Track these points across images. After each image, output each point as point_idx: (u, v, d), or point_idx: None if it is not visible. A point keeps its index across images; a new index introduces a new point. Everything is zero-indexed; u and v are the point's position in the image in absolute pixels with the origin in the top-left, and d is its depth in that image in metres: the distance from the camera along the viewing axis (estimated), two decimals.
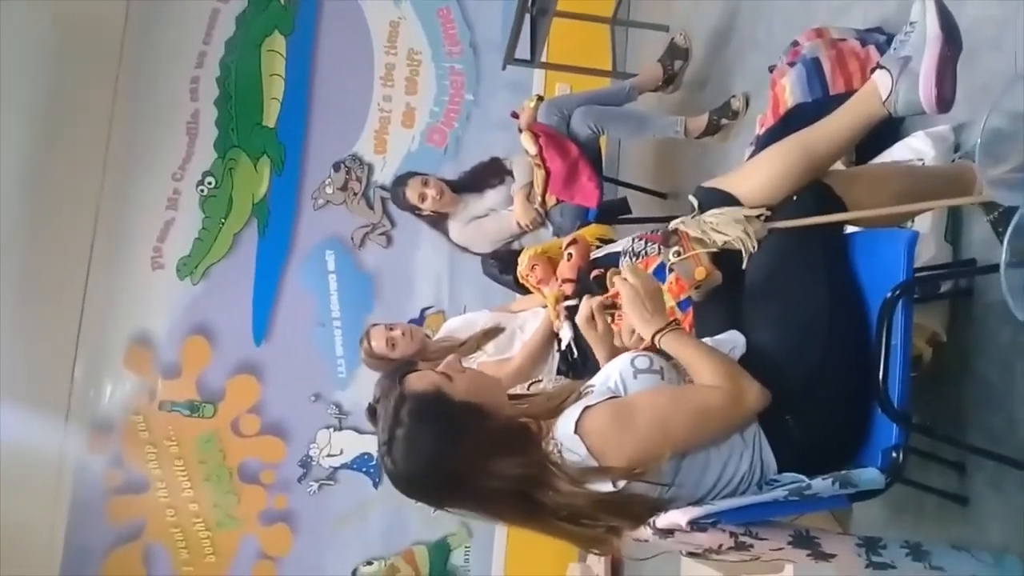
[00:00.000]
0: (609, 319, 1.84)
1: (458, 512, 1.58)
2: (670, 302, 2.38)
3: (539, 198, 3.50)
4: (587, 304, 1.78)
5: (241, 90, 5.08)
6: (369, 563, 4.81)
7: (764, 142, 2.29)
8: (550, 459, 1.43)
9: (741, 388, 1.49)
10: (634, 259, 2.61)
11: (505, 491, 1.44)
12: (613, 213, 3.62)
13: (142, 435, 4.81)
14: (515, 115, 3.55)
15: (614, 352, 1.76)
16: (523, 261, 3.09)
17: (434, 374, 1.55)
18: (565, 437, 1.46)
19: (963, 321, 1.82)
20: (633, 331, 1.84)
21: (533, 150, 3.37)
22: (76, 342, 4.81)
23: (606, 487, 1.42)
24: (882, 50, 2.17)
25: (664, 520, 1.44)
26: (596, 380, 1.63)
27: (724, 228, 1.65)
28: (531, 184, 3.51)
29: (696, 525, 1.41)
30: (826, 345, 1.53)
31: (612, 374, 1.59)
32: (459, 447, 1.45)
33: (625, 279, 1.66)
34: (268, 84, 5.11)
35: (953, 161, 1.92)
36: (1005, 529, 1.65)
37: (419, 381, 1.53)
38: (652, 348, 1.64)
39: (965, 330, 1.82)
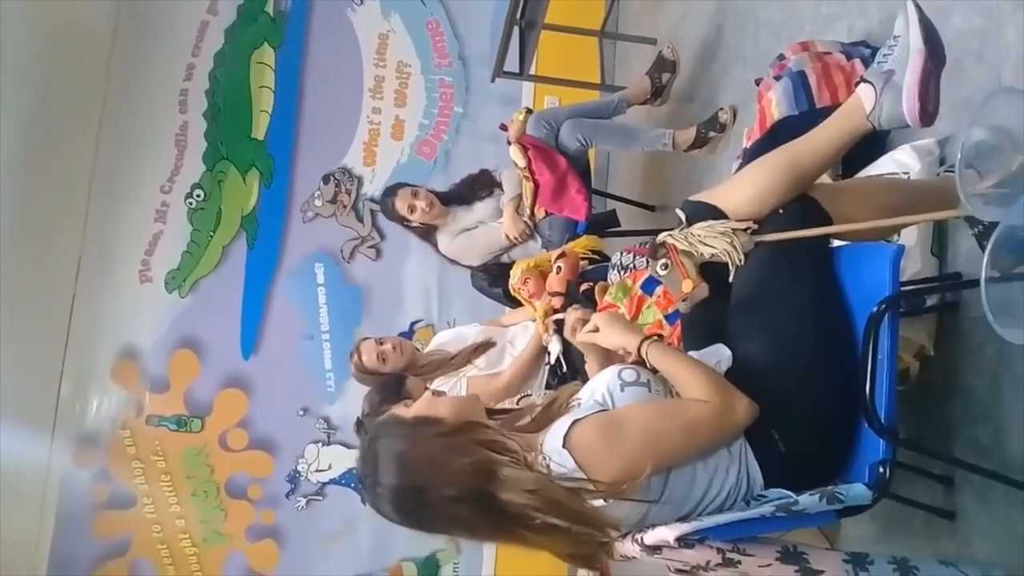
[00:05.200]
0: None
1: (441, 533, 1.57)
2: (658, 315, 2.38)
3: (528, 211, 3.50)
4: (572, 314, 1.79)
5: (230, 103, 5.06)
6: None
7: (751, 155, 2.30)
8: (504, 462, 1.43)
9: (730, 401, 1.49)
10: (622, 272, 2.61)
11: (461, 499, 1.43)
12: (602, 226, 3.62)
13: (129, 450, 4.78)
14: (504, 127, 3.55)
15: (606, 359, 1.77)
16: (515, 274, 3.09)
17: (396, 407, 1.65)
18: (553, 451, 1.46)
19: (950, 334, 1.82)
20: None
21: (522, 163, 3.37)
22: (63, 356, 4.78)
23: (596, 502, 1.42)
24: (867, 63, 2.18)
25: (652, 536, 1.43)
26: (583, 393, 1.63)
27: (711, 241, 1.65)
28: (520, 196, 3.51)
29: (683, 542, 1.40)
30: (811, 359, 1.53)
31: (599, 387, 1.60)
32: (410, 458, 1.47)
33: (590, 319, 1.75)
34: (257, 96, 5.10)
35: (939, 174, 1.93)
36: (991, 543, 1.65)
37: (382, 418, 1.61)
38: (639, 362, 1.64)
39: (952, 343, 1.82)
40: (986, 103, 1.27)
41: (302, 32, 5.14)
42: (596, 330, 1.74)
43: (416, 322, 4.94)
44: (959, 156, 1.24)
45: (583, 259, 3.03)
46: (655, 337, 1.63)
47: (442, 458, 1.44)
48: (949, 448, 1.77)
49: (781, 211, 1.61)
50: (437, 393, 1.64)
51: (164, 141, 4.98)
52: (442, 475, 1.43)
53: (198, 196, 4.99)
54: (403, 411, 1.59)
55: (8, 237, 4.42)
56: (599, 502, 1.42)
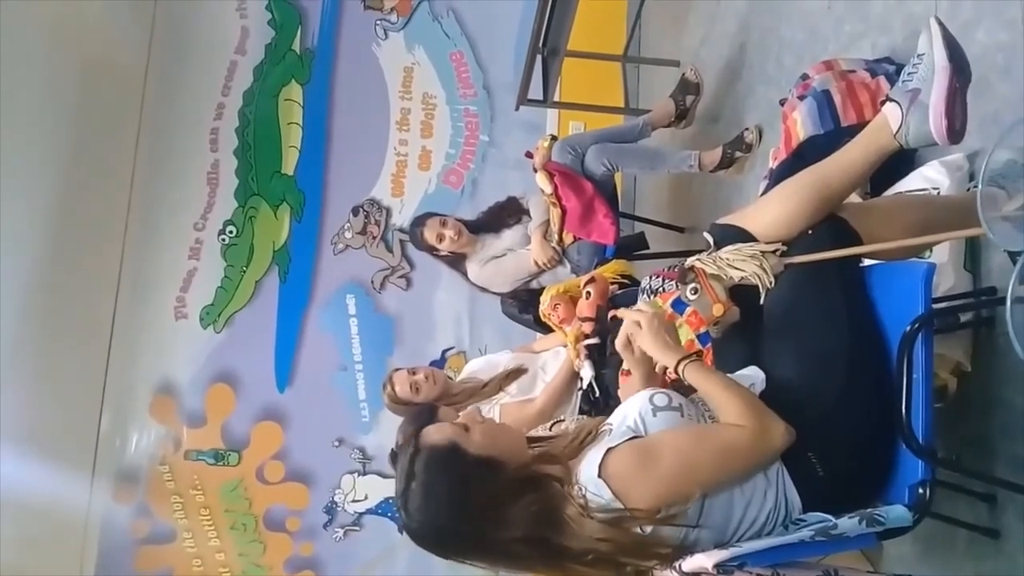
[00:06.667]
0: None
1: (480, 565, 1.56)
2: (689, 334, 2.37)
3: (556, 236, 3.51)
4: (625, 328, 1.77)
5: (260, 139, 5.16)
6: None
7: (778, 176, 2.29)
8: (569, 502, 1.42)
9: (766, 426, 1.47)
10: (651, 296, 2.60)
11: (524, 540, 1.43)
12: (630, 249, 3.62)
13: (168, 484, 4.83)
14: (529, 155, 3.57)
15: (653, 374, 1.75)
16: (545, 300, 3.09)
17: (451, 426, 1.54)
18: (589, 481, 1.45)
19: (987, 350, 1.80)
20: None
21: (548, 189, 3.38)
22: (102, 393, 4.85)
23: (634, 530, 1.41)
24: (892, 80, 2.17)
25: (690, 564, 1.42)
26: (613, 419, 1.61)
27: (740, 264, 1.65)
28: (548, 223, 3.53)
29: (722, 568, 1.39)
30: (846, 380, 1.51)
31: (630, 412, 1.58)
32: (471, 501, 1.44)
33: (640, 310, 1.65)
34: (286, 133, 5.19)
35: (968, 190, 1.91)
36: None
37: (435, 434, 1.53)
38: (674, 381, 1.63)
39: (989, 359, 1.79)
40: (1011, 128, 1.26)
41: (329, 68, 5.23)
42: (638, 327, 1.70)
43: (448, 350, 4.96)
44: (980, 183, 1.23)
45: (613, 284, 3.02)
46: (694, 356, 1.59)
47: (506, 499, 1.43)
48: (990, 466, 1.74)
49: (810, 232, 1.61)
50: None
51: (197, 179, 5.08)
52: (506, 515, 1.42)
53: (230, 232, 5.06)
54: (462, 438, 1.50)
55: (46, 278, 4.51)
56: (637, 530, 1.41)
